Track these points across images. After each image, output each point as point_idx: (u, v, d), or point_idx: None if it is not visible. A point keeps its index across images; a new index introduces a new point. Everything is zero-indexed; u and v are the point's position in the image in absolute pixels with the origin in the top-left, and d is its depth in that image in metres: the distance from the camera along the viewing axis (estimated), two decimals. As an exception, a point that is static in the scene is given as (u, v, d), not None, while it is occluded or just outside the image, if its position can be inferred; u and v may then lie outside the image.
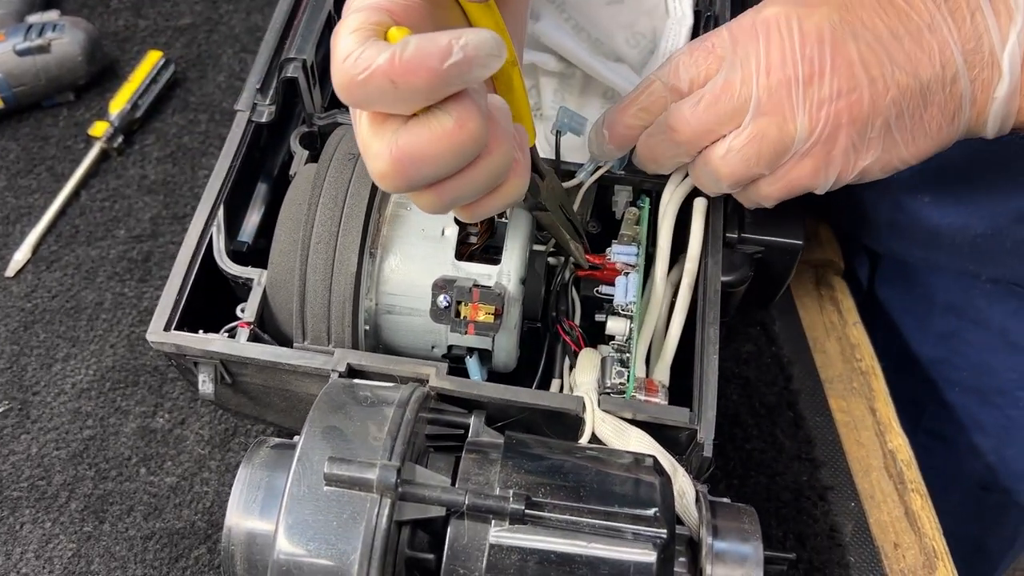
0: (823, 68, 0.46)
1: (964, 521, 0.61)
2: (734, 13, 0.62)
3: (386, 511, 0.40)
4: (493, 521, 0.41)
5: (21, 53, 0.76)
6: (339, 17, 0.62)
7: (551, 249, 0.57)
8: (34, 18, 0.79)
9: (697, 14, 0.64)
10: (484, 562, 0.41)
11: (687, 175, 0.55)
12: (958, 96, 0.47)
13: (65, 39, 0.77)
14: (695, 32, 0.64)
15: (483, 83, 0.41)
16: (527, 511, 0.41)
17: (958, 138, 0.49)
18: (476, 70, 0.37)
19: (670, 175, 0.56)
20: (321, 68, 0.59)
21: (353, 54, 0.37)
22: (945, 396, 0.78)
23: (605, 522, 0.41)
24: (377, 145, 0.39)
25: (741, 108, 0.48)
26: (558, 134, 0.56)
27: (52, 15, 0.80)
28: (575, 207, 0.56)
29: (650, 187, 0.57)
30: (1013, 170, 0.62)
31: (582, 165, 0.57)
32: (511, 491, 0.41)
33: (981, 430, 0.79)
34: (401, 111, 0.38)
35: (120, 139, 0.77)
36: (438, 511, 0.41)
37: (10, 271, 0.70)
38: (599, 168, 0.57)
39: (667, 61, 0.51)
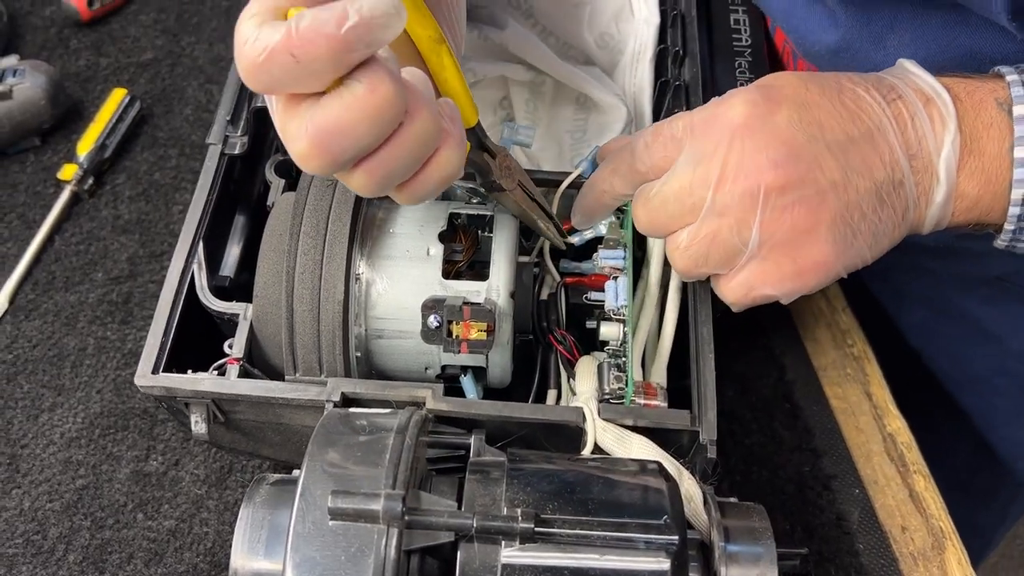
0: (787, 173, 0.45)
1: (955, 501, 0.62)
2: (700, 12, 0.62)
3: (394, 541, 0.40)
4: (503, 542, 0.41)
5: (-18, 101, 0.75)
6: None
7: (536, 259, 0.57)
8: (-7, 65, 0.78)
9: (663, 13, 0.64)
10: (497, 584, 0.40)
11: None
12: (905, 199, 0.47)
13: (26, 84, 0.76)
14: (662, 30, 0.64)
15: (394, 52, 0.40)
16: (537, 529, 0.40)
17: (900, 240, 0.49)
18: (376, 32, 0.36)
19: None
20: (291, 95, 0.59)
21: (251, 37, 0.36)
22: (926, 385, 0.79)
23: (616, 533, 0.41)
24: (293, 126, 0.38)
25: (696, 206, 0.46)
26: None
27: (11, 60, 0.79)
28: (553, 208, 0.56)
29: (631, 190, 0.57)
30: None
31: (557, 172, 0.57)
32: (519, 510, 0.41)
33: (965, 416, 0.79)
34: (311, 88, 0.37)
35: (90, 181, 0.76)
36: (447, 536, 0.41)
37: (-12, 323, 0.69)
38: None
39: (635, 137, 0.50)
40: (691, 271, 0.49)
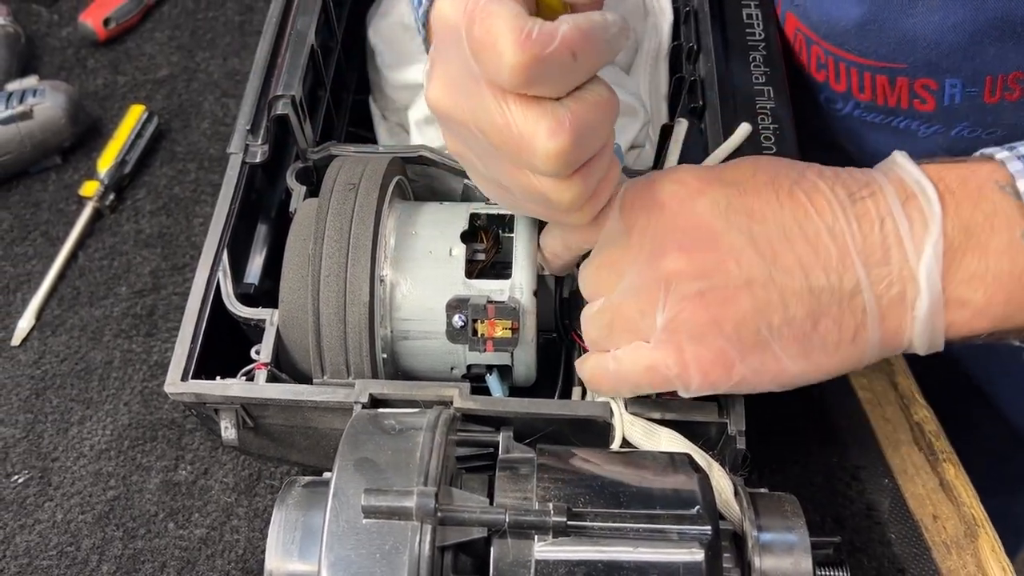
0: (693, 261, 0.42)
1: (988, 491, 0.61)
2: (712, 7, 0.63)
3: (428, 538, 0.40)
4: (536, 536, 0.41)
5: (3, 122, 0.75)
6: (322, 51, 0.62)
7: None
8: (13, 86, 0.79)
9: (676, 10, 0.64)
10: (532, 578, 0.40)
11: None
12: (859, 312, 0.42)
13: (46, 103, 0.77)
14: (676, 27, 0.64)
15: None
16: (569, 523, 0.40)
17: (875, 357, 0.44)
18: (622, 42, 0.39)
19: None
20: (309, 102, 0.59)
21: (534, 30, 0.36)
22: (954, 373, 0.78)
23: (649, 525, 0.41)
24: (548, 122, 0.38)
25: (613, 281, 0.45)
26: None
27: (31, 81, 0.80)
28: None
29: (650, 186, 0.57)
30: None
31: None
32: (550, 504, 0.41)
33: (994, 405, 0.79)
34: (564, 89, 0.38)
35: (111, 196, 0.77)
36: (479, 532, 0.41)
37: (15, 340, 0.70)
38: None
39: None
40: (595, 341, 0.47)
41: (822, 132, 0.66)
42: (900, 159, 0.44)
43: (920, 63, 0.49)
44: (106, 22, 0.88)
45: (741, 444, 0.47)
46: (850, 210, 0.42)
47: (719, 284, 0.42)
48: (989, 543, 0.57)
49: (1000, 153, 0.43)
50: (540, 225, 0.54)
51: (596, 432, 0.49)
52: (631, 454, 0.46)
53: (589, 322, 0.47)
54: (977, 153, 0.45)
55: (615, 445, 0.48)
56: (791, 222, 0.42)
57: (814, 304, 0.42)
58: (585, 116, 0.39)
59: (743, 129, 0.55)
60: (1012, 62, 0.52)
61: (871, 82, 0.58)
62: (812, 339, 0.42)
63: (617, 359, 0.45)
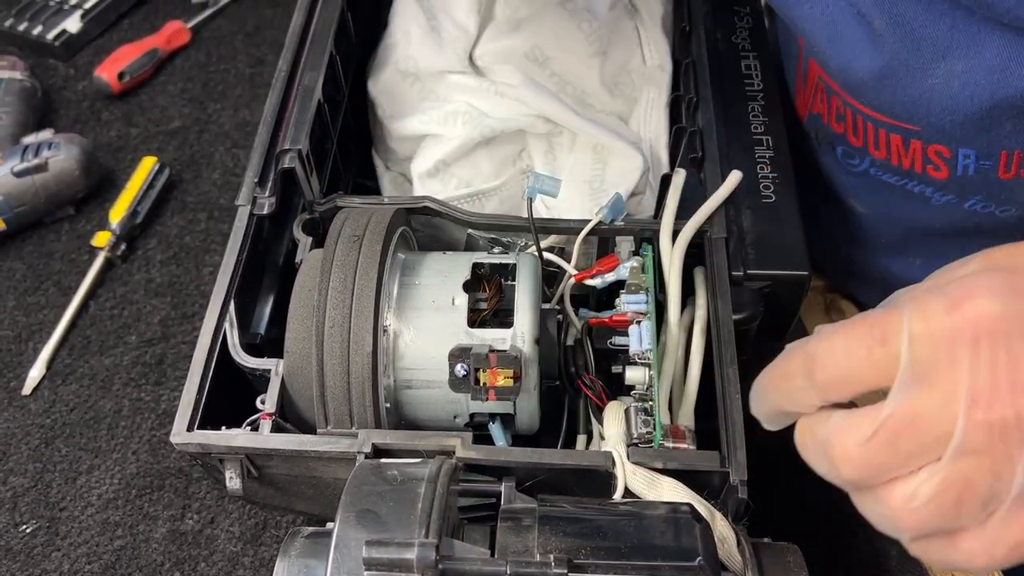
0: None
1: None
2: (711, 59, 0.64)
3: (429, 590, 0.40)
4: (537, 588, 0.41)
5: (19, 174, 0.77)
6: (328, 104, 0.63)
7: (558, 306, 0.58)
8: (29, 139, 0.81)
9: (676, 61, 0.66)
10: (533, 631, 0.40)
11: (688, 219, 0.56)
12: None
13: (61, 156, 0.79)
14: (675, 80, 0.65)
15: None
16: (570, 575, 0.40)
17: None
18: None
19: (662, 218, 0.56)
20: (316, 155, 0.60)
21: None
22: None
23: (650, 576, 0.41)
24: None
25: (935, 444, 0.35)
26: (530, 200, 0.56)
27: (46, 134, 0.82)
28: (573, 256, 0.57)
29: (650, 235, 0.58)
30: (1000, 236, 0.61)
31: (578, 220, 0.58)
32: (552, 556, 0.41)
33: None
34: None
35: (123, 246, 0.78)
36: (481, 584, 0.41)
37: (26, 389, 0.70)
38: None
39: (815, 334, 0.40)
40: (931, 527, 0.37)
41: (837, 188, 0.65)
42: None
43: (933, 128, 0.47)
44: (120, 76, 0.90)
45: (743, 494, 0.47)
46: None
47: None
48: (999, 590, 0.56)
49: None
50: (541, 274, 0.55)
51: (598, 481, 0.49)
52: (633, 504, 0.46)
53: (923, 509, 0.36)
54: None
55: (617, 494, 0.48)
56: None
57: None
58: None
59: (734, 177, 0.56)
60: None
61: (886, 140, 0.57)
62: None
63: (979, 538, 0.36)
